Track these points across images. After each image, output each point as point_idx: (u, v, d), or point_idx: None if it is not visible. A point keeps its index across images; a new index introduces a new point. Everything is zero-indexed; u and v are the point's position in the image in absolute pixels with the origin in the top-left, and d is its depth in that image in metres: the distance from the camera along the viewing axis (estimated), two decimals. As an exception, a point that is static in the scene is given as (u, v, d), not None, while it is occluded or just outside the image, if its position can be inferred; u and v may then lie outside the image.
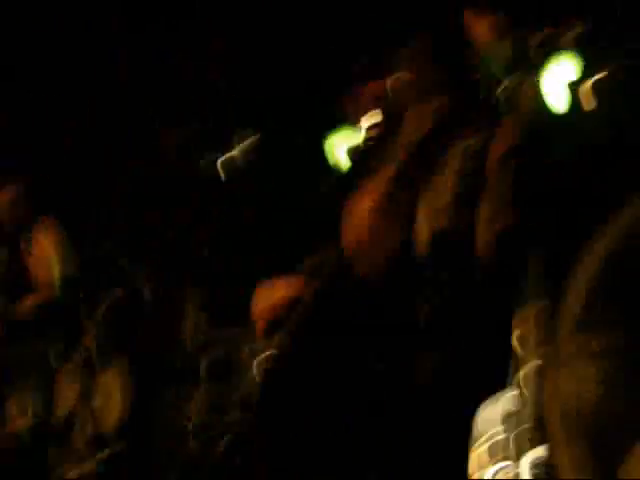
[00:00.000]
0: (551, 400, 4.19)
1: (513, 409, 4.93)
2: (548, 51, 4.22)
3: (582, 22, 4.18)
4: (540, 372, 4.65)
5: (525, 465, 4.55)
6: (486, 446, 4.80)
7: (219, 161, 4.90)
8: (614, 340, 4.04)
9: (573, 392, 4.10)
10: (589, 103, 4.41)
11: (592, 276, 4.15)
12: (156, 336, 4.46)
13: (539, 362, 4.75)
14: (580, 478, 3.93)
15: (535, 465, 4.50)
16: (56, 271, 4.42)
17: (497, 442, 4.76)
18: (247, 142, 4.86)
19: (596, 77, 4.27)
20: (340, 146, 4.24)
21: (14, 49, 4.55)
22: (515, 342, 5.06)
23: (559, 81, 4.26)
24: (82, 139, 4.73)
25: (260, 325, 1.89)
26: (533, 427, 4.67)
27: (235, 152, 4.90)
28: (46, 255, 4.40)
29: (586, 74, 4.23)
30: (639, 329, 3.99)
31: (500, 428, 4.74)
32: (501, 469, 4.65)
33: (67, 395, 4.42)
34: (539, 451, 4.43)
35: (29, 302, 4.44)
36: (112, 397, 4.45)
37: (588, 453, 3.99)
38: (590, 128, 4.52)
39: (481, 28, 4.18)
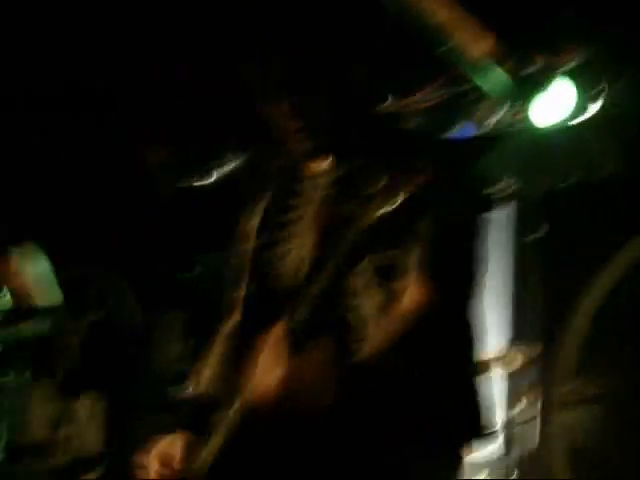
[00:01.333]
0: (546, 446, 4.11)
1: (500, 453, 4.83)
2: (548, 77, 4.13)
3: (580, 50, 4.08)
4: (533, 416, 4.57)
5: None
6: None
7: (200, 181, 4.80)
8: (606, 386, 3.97)
9: (569, 438, 4.02)
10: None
11: (586, 325, 4.08)
12: (132, 364, 4.29)
13: (531, 405, 4.68)
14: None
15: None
16: (38, 300, 4.22)
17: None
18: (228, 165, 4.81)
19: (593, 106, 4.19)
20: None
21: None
22: (504, 380, 4.98)
23: (557, 107, 4.16)
24: (59, 157, 4.53)
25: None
26: (522, 474, 4.58)
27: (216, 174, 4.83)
28: (26, 284, 4.19)
29: (584, 102, 4.14)
30: (626, 376, 3.92)
31: (485, 474, 4.64)
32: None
33: (40, 421, 4.25)
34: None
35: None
36: (88, 425, 4.29)
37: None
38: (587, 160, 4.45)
39: (479, 49, 4.07)
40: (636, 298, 3.81)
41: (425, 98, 4.26)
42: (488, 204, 1.79)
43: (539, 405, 3.99)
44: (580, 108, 4.16)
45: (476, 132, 4.41)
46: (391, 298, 1.78)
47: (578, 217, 4.11)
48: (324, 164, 1.92)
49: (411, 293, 1.77)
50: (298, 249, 1.86)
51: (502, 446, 4.41)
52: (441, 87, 4.26)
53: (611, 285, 3.91)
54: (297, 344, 1.67)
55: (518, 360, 4.37)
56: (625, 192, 4.07)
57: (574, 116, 4.17)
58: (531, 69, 4.16)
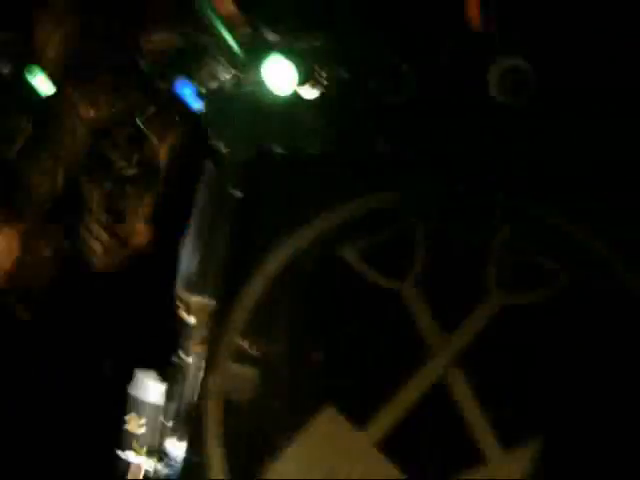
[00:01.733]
0: (205, 397, 4.28)
1: (163, 398, 4.93)
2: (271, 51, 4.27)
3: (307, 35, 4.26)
4: (197, 369, 4.73)
5: (166, 458, 4.57)
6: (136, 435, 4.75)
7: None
8: (272, 348, 4.22)
9: (227, 392, 4.22)
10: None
11: (261, 290, 4.30)
12: None
13: (200, 356, 4.83)
14: (225, 478, 4.05)
15: (175, 459, 4.55)
16: None
17: (143, 433, 4.73)
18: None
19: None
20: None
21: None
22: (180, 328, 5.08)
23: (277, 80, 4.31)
24: None
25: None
26: (179, 422, 4.72)
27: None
28: None
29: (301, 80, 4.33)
30: (295, 340, 4.20)
31: (145, 419, 4.72)
32: (145, 460, 4.63)
33: None
34: (181, 446, 4.49)
35: None
36: None
37: (236, 452, 4.12)
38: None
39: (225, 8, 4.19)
40: (305, 272, 4.09)
41: (162, 39, 4.29)
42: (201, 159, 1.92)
43: (207, 357, 4.17)
44: (297, 85, 4.32)
45: (195, 89, 4.49)
46: (120, 233, 1.97)
47: (277, 184, 4.33)
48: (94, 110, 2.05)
49: (136, 235, 1.95)
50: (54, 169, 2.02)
51: (166, 392, 4.53)
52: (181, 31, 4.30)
53: (289, 257, 4.16)
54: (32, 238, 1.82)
55: (196, 311, 4.52)
56: (329, 169, 4.32)
57: (291, 91, 4.33)
58: (259, 41, 4.30)
